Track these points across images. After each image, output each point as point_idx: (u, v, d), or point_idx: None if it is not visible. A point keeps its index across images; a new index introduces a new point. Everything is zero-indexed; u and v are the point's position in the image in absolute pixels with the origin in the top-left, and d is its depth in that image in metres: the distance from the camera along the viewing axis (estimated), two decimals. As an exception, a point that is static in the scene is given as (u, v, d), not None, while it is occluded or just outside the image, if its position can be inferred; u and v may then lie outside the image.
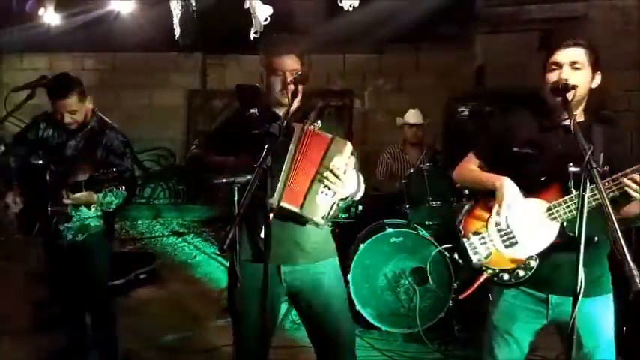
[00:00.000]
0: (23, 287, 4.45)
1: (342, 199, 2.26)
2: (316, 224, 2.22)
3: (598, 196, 1.72)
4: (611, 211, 1.57)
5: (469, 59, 7.12)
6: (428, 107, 5.19)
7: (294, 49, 2.31)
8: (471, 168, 2.33)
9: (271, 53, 2.31)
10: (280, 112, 2.31)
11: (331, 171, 2.14)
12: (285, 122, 2.06)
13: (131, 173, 3.07)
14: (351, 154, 2.21)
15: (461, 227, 2.21)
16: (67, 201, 2.87)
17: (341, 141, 2.20)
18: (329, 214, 2.22)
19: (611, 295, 2.12)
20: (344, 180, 2.16)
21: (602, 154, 1.96)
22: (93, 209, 2.98)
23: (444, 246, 3.82)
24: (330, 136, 2.21)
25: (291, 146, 2.19)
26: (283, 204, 2.17)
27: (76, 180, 2.81)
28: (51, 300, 3.75)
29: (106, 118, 3.15)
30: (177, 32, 7.19)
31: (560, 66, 2.04)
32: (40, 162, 3.00)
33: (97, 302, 3.16)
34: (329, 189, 2.17)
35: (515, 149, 2.14)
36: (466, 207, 2.27)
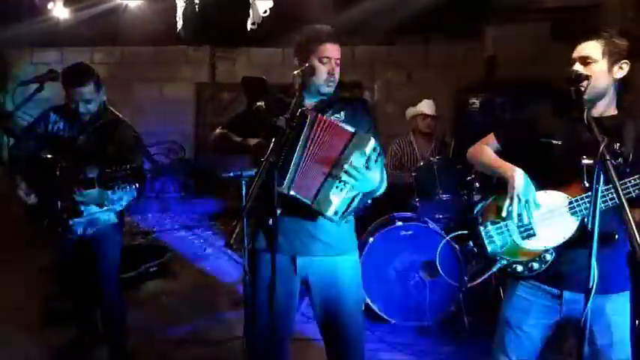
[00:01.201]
0: (34, 282, 4.48)
1: (361, 196, 2.17)
2: (329, 219, 2.15)
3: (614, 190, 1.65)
4: (625, 202, 1.53)
5: (479, 50, 7.05)
6: (438, 98, 5.13)
7: (340, 39, 2.32)
8: (487, 150, 2.27)
9: (321, 41, 2.27)
10: (310, 102, 2.32)
11: (346, 171, 2.06)
12: (299, 111, 2.05)
13: (142, 169, 3.06)
14: (374, 149, 2.10)
15: (479, 215, 2.18)
16: (78, 198, 2.86)
17: (364, 136, 2.11)
18: (344, 210, 2.14)
19: (628, 293, 2.05)
20: (362, 178, 2.08)
21: (631, 151, 1.92)
22: (105, 207, 2.97)
23: (457, 233, 3.77)
24: (352, 130, 2.11)
25: (304, 134, 2.11)
26: (293, 192, 2.12)
27: (88, 176, 2.79)
28: (61, 294, 3.77)
29: (117, 113, 3.14)
30: (179, 25, 7.17)
31: (574, 62, 2.03)
32: (50, 156, 2.96)
33: (107, 296, 3.16)
34: (345, 185, 2.09)
35: (541, 140, 2.09)
36: (488, 196, 2.22)
